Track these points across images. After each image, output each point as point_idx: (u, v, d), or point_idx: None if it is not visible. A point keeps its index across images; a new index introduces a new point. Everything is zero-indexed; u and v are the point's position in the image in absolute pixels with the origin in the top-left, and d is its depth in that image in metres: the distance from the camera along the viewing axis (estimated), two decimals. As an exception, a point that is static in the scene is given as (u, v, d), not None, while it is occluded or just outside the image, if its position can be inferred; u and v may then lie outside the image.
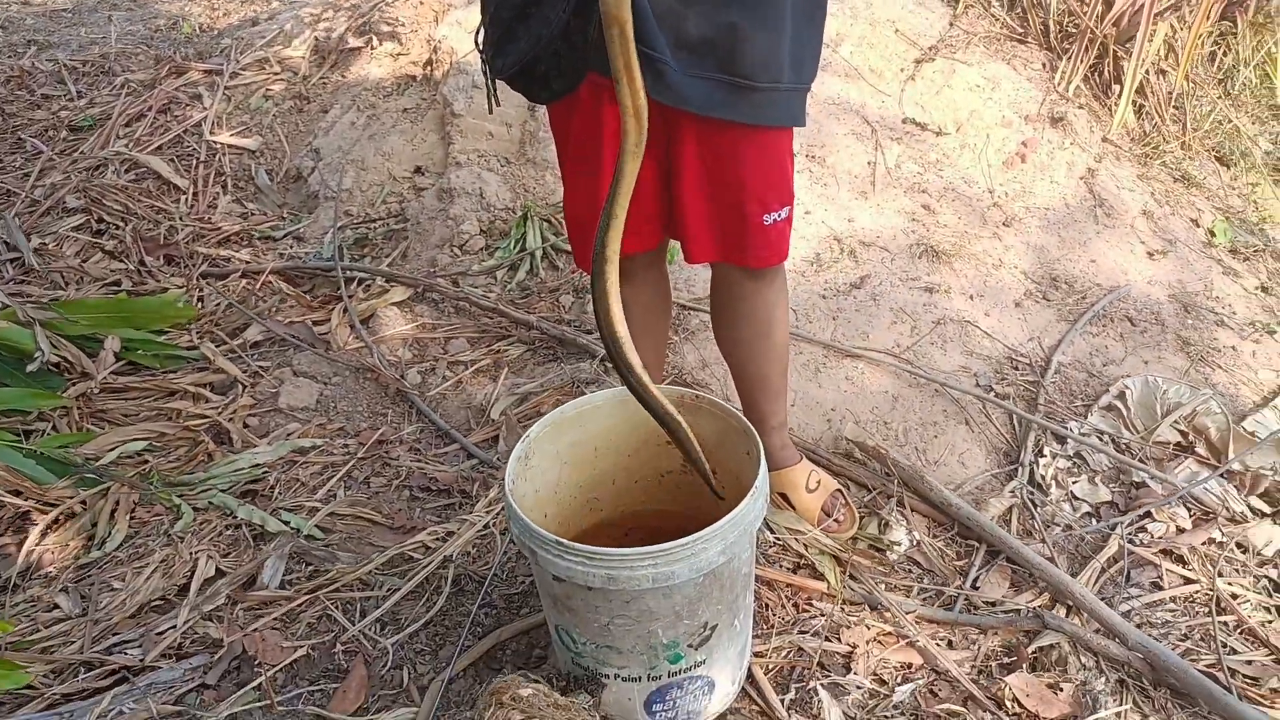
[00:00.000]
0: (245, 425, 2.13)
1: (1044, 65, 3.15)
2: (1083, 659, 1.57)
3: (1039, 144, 2.85)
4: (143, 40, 5.35)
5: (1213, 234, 2.79)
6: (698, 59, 1.33)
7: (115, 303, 2.39)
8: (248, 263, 2.75)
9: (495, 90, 1.50)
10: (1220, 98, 3.39)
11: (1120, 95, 3.06)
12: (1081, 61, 3.11)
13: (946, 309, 2.36)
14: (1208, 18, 3.14)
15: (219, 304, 2.55)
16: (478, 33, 1.45)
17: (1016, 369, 2.26)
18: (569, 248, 2.63)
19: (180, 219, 2.94)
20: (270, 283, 2.66)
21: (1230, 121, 3.33)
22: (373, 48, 3.52)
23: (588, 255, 1.29)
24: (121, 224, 2.88)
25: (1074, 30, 3.22)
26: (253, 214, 3.08)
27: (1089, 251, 2.60)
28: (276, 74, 3.66)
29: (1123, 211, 2.73)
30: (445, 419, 2.16)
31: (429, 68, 3.25)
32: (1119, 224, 2.70)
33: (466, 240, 2.70)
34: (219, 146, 3.29)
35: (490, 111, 1.58)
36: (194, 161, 3.23)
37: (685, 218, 1.51)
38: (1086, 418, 2.13)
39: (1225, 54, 3.70)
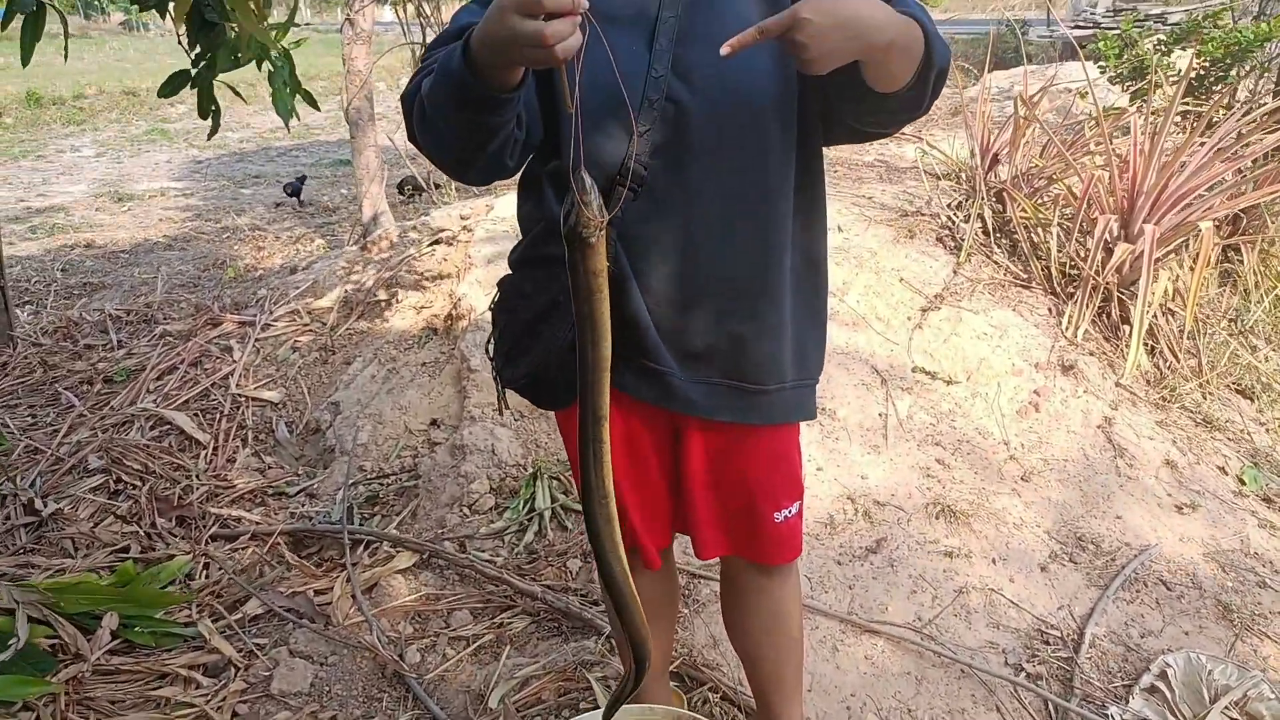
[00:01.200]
0: (234, 715, 2.03)
1: (1050, 310, 3.20)
2: None
3: (1051, 392, 2.84)
4: (190, 281, 5.68)
5: (1242, 481, 2.71)
6: (702, 366, 1.35)
7: (114, 588, 2.35)
8: (258, 523, 2.74)
9: (505, 396, 1.53)
10: (1234, 335, 3.39)
11: (1130, 337, 3.07)
12: (1087, 307, 3.15)
13: (968, 575, 2.27)
14: (1209, 263, 3.20)
15: (223, 572, 2.52)
16: (489, 342, 1.50)
17: (1048, 644, 2.13)
18: (578, 507, 2.60)
19: (197, 476, 2.97)
20: (279, 545, 2.64)
21: (1248, 357, 3.31)
22: (397, 300, 3.68)
23: None
24: (139, 484, 2.91)
25: (1076, 274, 3.29)
26: (270, 468, 3.11)
27: (1113, 506, 2.52)
28: (305, 325, 3.82)
29: (1145, 462, 2.66)
30: (443, 705, 2.05)
31: (449, 322, 3.37)
32: (1142, 475, 2.62)
33: (476, 500, 2.68)
34: (243, 399, 3.38)
35: (500, 414, 1.61)
36: (218, 415, 3.30)
37: (695, 516, 1.48)
38: (1128, 701, 1.97)
39: (1235, 286, 3.75)
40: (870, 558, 2.32)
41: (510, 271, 1.45)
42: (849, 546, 2.35)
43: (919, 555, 2.32)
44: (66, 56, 2.55)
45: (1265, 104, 4.21)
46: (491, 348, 1.48)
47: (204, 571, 2.53)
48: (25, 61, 2.12)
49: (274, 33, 2.43)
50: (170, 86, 2.41)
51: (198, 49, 2.39)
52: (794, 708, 1.68)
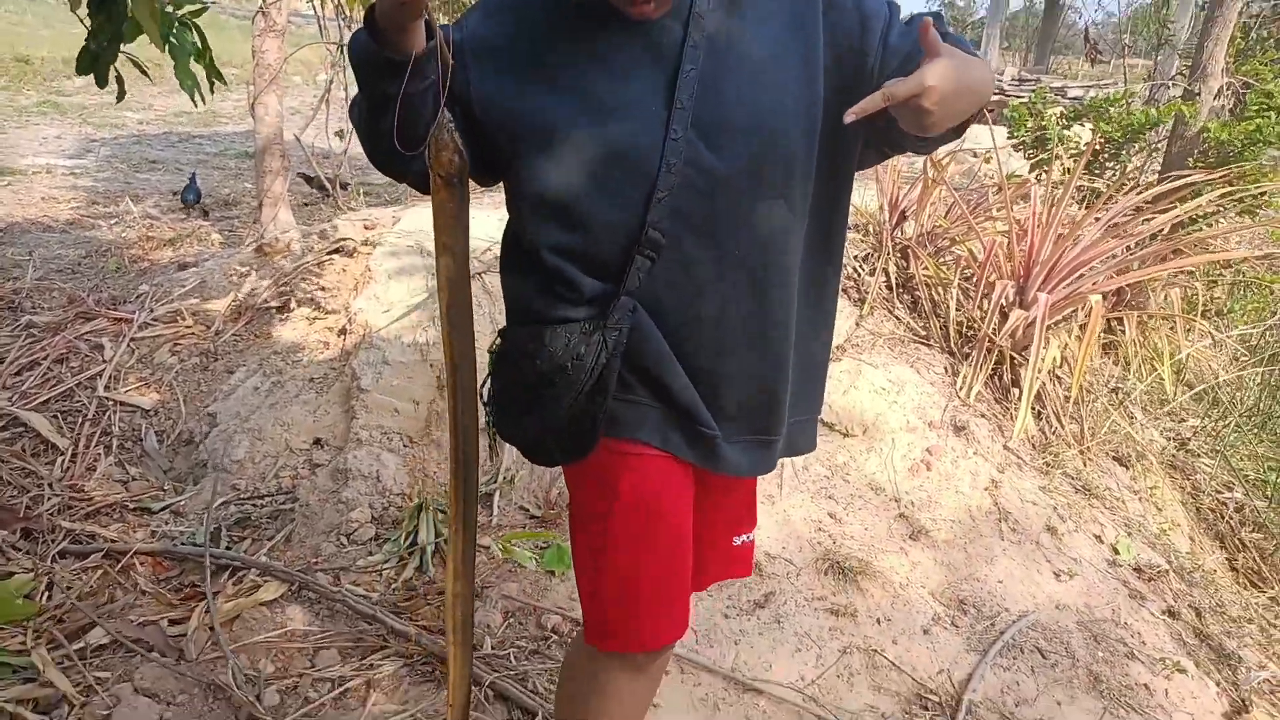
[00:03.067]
0: (63, 758, 1.86)
1: (946, 369, 3.26)
2: None
3: (943, 452, 2.89)
4: (68, 268, 5.31)
5: (1116, 551, 2.79)
6: (735, 425, 1.32)
7: (-57, 598, 2.14)
8: (113, 541, 2.53)
9: (497, 443, 1.45)
10: (1115, 405, 3.53)
11: (1019, 400, 3.16)
12: (981, 368, 3.22)
13: (853, 635, 2.26)
14: (1096, 334, 3.32)
15: (70, 592, 2.32)
16: (483, 386, 1.40)
17: (926, 709, 2.13)
18: (463, 544, 2.50)
19: (50, 485, 2.74)
20: (134, 567, 2.45)
21: (1126, 427, 3.45)
22: (290, 309, 3.50)
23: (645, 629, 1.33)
24: (-18, 490, 2.67)
25: (973, 335, 3.37)
26: (134, 480, 2.90)
27: (995, 570, 2.56)
28: (189, 328, 3.60)
29: (1027, 526, 2.72)
30: (299, 754, 1.92)
31: (343, 337, 3.23)
32: (1025, 540, 2.68)
33: (356, 529, 2.55)
34: (111, 403, 3.15)
35: (490, 460, 1.55)
36: (80, 419, 3.07)
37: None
38: (999, 772, 1.99)
39: (1116, 357, 3.92)
40: (758, 612, 2.29)
41: (510, 318, 1.37)
42: (737, 600, 2.32)
43: (806, 612, 2.30)
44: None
45: (1151, 182, 4.45)
46: (486, 394, 1.39)
47: (46, 593, 2.32)
48: None
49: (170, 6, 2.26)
50: (84, 64, 2.21)
51: (92, 22, 2.21)
52: None
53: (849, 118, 1.04)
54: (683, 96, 1.16)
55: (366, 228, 3.88)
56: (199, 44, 2.36)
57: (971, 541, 2.64)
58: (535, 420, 1.30)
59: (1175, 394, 3.94)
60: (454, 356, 1.30)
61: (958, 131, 1.17)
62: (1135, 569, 2.75)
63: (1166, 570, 2.77)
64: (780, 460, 2.78)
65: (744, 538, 1.52)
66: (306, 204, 6.87)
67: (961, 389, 3.17)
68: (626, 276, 1.21)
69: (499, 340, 1.38)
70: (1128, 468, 3.41)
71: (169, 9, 2.18)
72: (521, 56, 1.19)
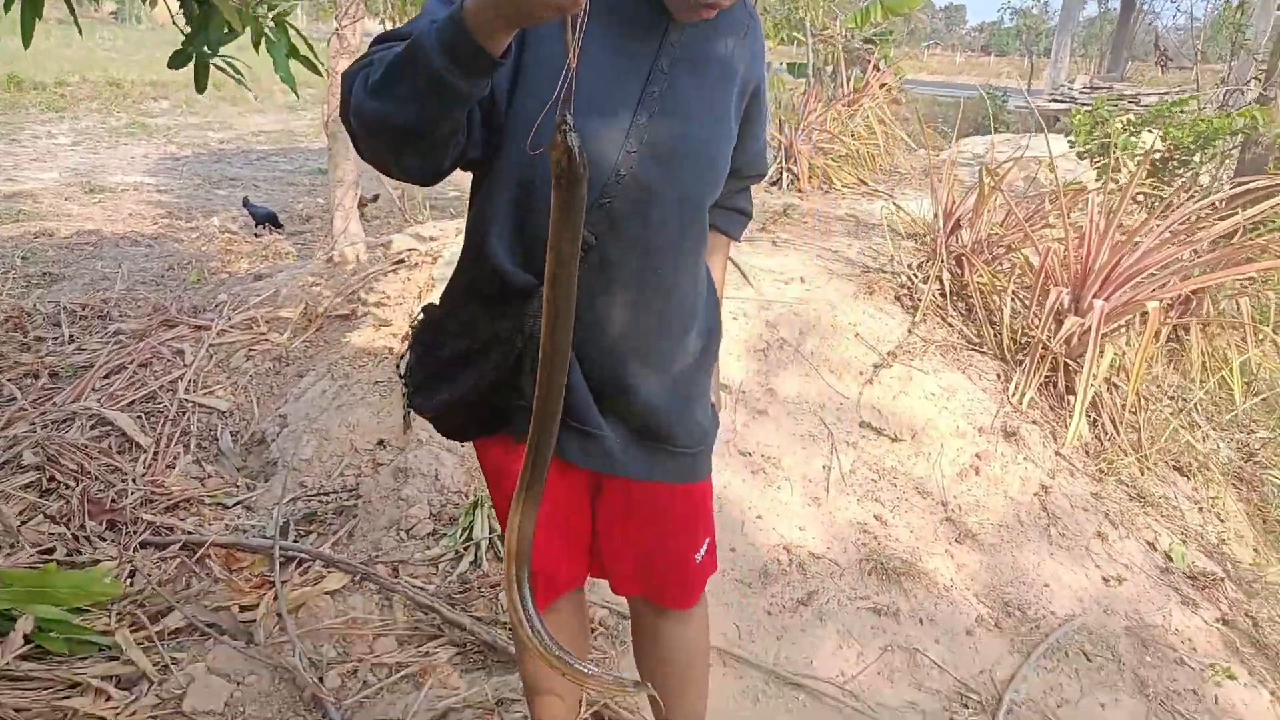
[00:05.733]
0: (142, 729, 1.99)
1: (998, 376, 3.25)
2: None
3: (992, 457, 2.88)
4: (153, 279, 5.61)
5: (1170, 558, 2.75)
6: (636, 431, 1.38)
7: (38, 576, 2.31)
8: (190, 533, 2.70)
9: (410, 417, 1.53)
10: (1175, 413, 3.47)
11: (1074, 407, 3.13)
12: (1035, 374, 3.21)
13: (895, 634, 2.28)
14: (1156, 341, 3.27)
15: (150, 579, 2.48)
16: (401, 358, 1.48)
17: (967, 707, 2.15)
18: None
19: (134, 480, 2.92)
20: (208, 557, 2.60)
21: (1187, 436, 3.39)
22: (357, 317, 3.66)
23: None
24: (73, 484, 2.86)
25: (1027, 342, 3.36)
26: (210, 477, 3.07)
27: (1042, 574, 2.55)
28: (262, 334, 3.79)
29: (1077, 532, 2.71)
30: (358, 733, 2.02)
31: (406, 343, 3.36)
32: (1074, 545, 2.67)
33: (415, 525, 2.66)
34: (190, 405, 3.34)
35: (404, 432, 1.61)
36: (162, 419, 3.26)
37: (613, 558, 1.52)
38: (1040, 772, 1.99)
39: (1183, 366, 3.84)
40: (800, 610, 2.33)
41: (442, 298, 1.43)
42: (780, 598, 2.36)
43: (848, 610, 2.33)
44: (80, 31, 2.55)
45: (1223, 190, 4.35)
46: (404, 367, 1.46)
47: (129, 579, 2.48)
48: (27, 43, 2.08)
49: (260, 7, 2.39)
50: (177, 60, 2.36)
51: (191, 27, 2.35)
52: None
53: None
54: (642, 115, 1.23)
55: (430, 239, 4.04)
56: (293, 44, 2.48)
57: (1019, 545, 2.64)
58: (448, 396, 1.37)
59: (1244, 404, 3.85)
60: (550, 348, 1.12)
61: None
62: (1189, 576, 2.70)
63: (1223, 579, 2.72)
64: (825, 465, 2.81)
65: (701, 553, 1.52)
66: (375, 218, 7.11)
67: (1014, 395, 3.16)
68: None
69: (421, 315, 1.44)
70: (1189, 478, 3.35)
71: (259, 10, 2.32)
72: (540, 45, 1.22)
